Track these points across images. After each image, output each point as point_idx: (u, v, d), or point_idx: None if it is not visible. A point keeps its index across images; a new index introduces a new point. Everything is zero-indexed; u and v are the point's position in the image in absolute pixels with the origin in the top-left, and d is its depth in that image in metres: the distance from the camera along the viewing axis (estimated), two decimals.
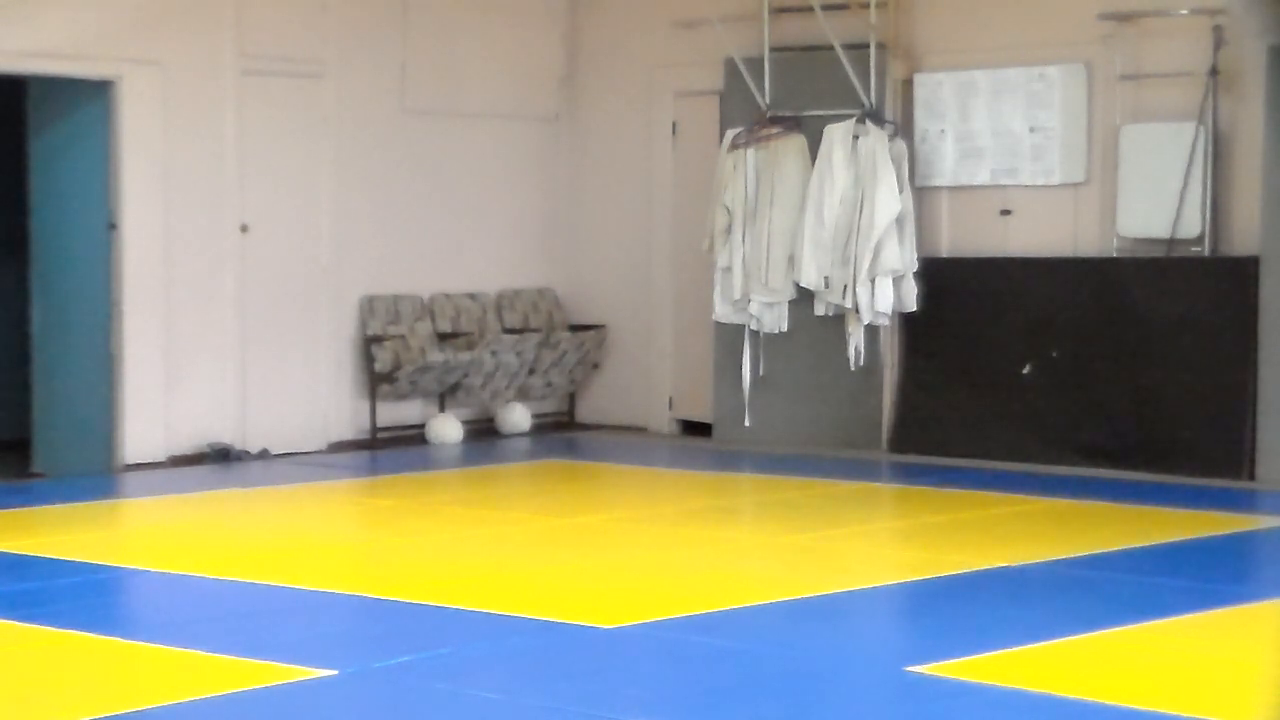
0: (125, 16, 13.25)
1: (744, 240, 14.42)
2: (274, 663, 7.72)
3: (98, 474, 13.19)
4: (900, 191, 13.84)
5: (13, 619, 8.57)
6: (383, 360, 14.48)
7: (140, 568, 10.14)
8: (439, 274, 15.11)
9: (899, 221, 13.83)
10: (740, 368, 14.66)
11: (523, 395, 15.37)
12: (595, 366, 15.75)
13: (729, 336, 14.75)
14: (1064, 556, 10.01)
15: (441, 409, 15.01)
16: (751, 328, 14.54)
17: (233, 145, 13.79)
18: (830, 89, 14.20)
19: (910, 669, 7.68)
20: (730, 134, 14.55)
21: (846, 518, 11.83)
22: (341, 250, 14.47)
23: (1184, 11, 13.11)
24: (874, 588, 9.63)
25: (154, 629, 8.58)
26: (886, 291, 13.87)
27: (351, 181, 14.53)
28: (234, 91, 13.77)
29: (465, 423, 15.02)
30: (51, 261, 13.54)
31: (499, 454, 14.62)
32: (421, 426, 14.91)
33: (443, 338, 14.96)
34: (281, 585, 9.43)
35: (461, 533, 11.05)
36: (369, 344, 14.54)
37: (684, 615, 8.66)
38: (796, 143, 14.32)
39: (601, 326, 15.68)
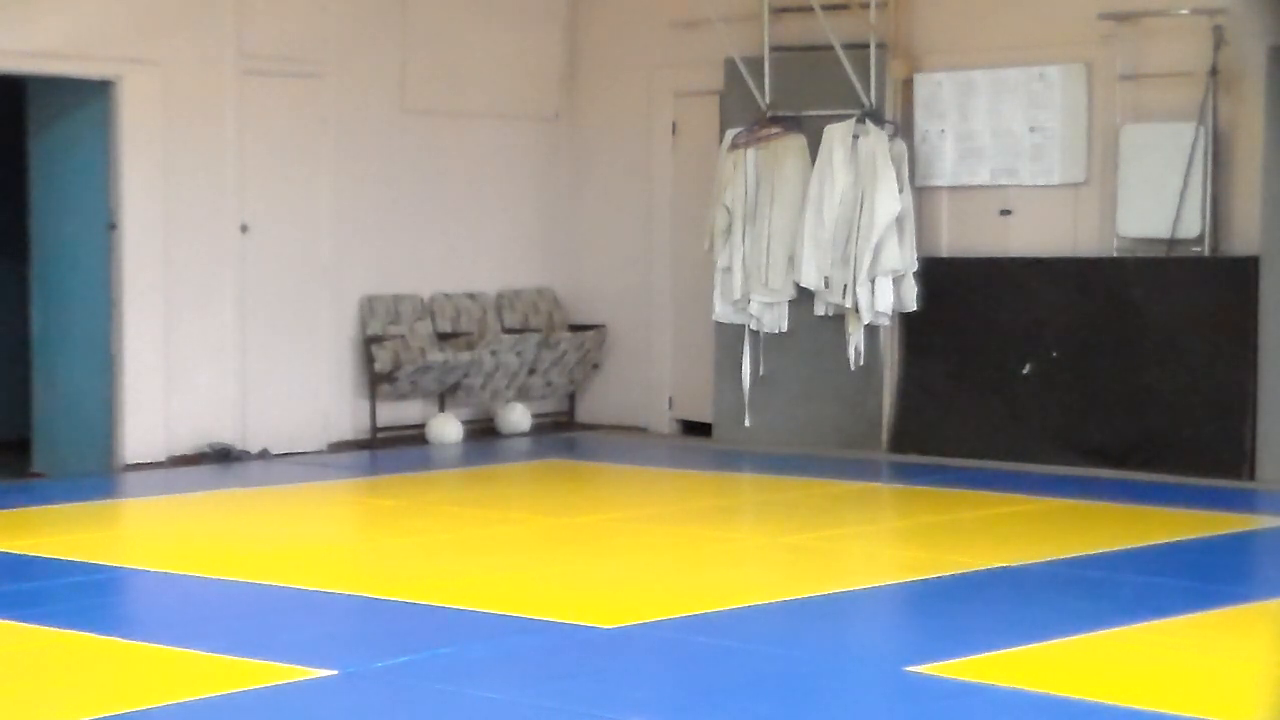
0: (125, 16, 13.25)
1: (744, 240, 14.42)
2: (274, 663, 7.72)
3: (98, 474, 13.19)
4: (900, 191, 13.83)
5: (13, 619, 8.57)
6: (383, 360, 14.47)
7: (140, 568, 10.14)
8: (439, 274, 15.10)
9: (899, 221, 13.83)
10: (740, 368, 14.65)
11: (523, 395, 15.37)
12: (595, 366, 15.74)
13: (729, 336, 14.74)
14: (1064, 556, 10.00)
15: (441, 409, 15.01)
16: (751, 328, 14.54)
17: (233, 145, 13.79)
18: (830, 89, 14.20)
19: (910, 669, 7.68)
20: (730, 134, 14.54)
21: (846, 518, 11.84)
22: (341, 250, 14.47)
23: (1184, 11, 13.11)
24: (874, 588, 9.63)
25: (154, 629, 8.58)
26: (886, 291, 13.87)
27: (351, 181, 14.52)
28: (234, 91, 13.77)
29: (465, 423, 15.01)
30: (51, 261, 13.53)
31: (499, 454, 14.61)
32: (421, 426, 14.91)
33: (443, 338, 14.96)
34: (281, 585, 9.42)
35: (461, 533, 11.04)
36: (369, 344, 14.54)
37: (684, 615, 8.66)
38: (796, 143, 14.32)
39: (601, 326, 15.67)
